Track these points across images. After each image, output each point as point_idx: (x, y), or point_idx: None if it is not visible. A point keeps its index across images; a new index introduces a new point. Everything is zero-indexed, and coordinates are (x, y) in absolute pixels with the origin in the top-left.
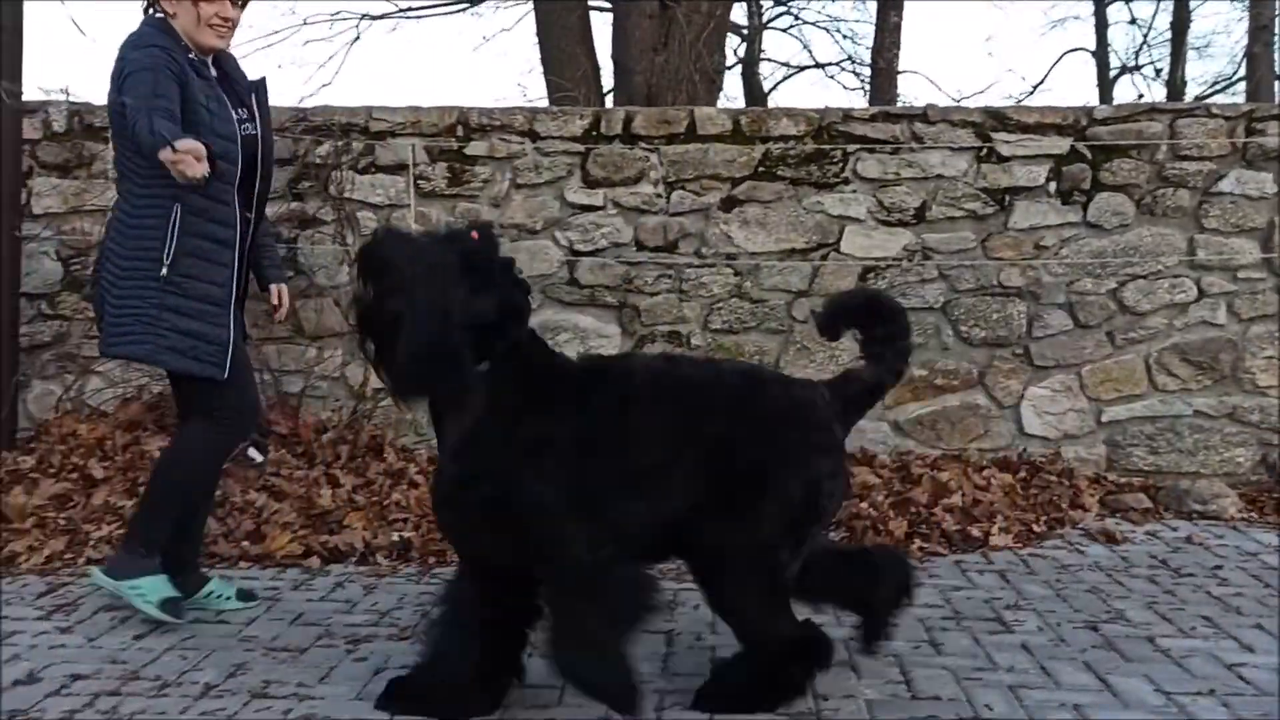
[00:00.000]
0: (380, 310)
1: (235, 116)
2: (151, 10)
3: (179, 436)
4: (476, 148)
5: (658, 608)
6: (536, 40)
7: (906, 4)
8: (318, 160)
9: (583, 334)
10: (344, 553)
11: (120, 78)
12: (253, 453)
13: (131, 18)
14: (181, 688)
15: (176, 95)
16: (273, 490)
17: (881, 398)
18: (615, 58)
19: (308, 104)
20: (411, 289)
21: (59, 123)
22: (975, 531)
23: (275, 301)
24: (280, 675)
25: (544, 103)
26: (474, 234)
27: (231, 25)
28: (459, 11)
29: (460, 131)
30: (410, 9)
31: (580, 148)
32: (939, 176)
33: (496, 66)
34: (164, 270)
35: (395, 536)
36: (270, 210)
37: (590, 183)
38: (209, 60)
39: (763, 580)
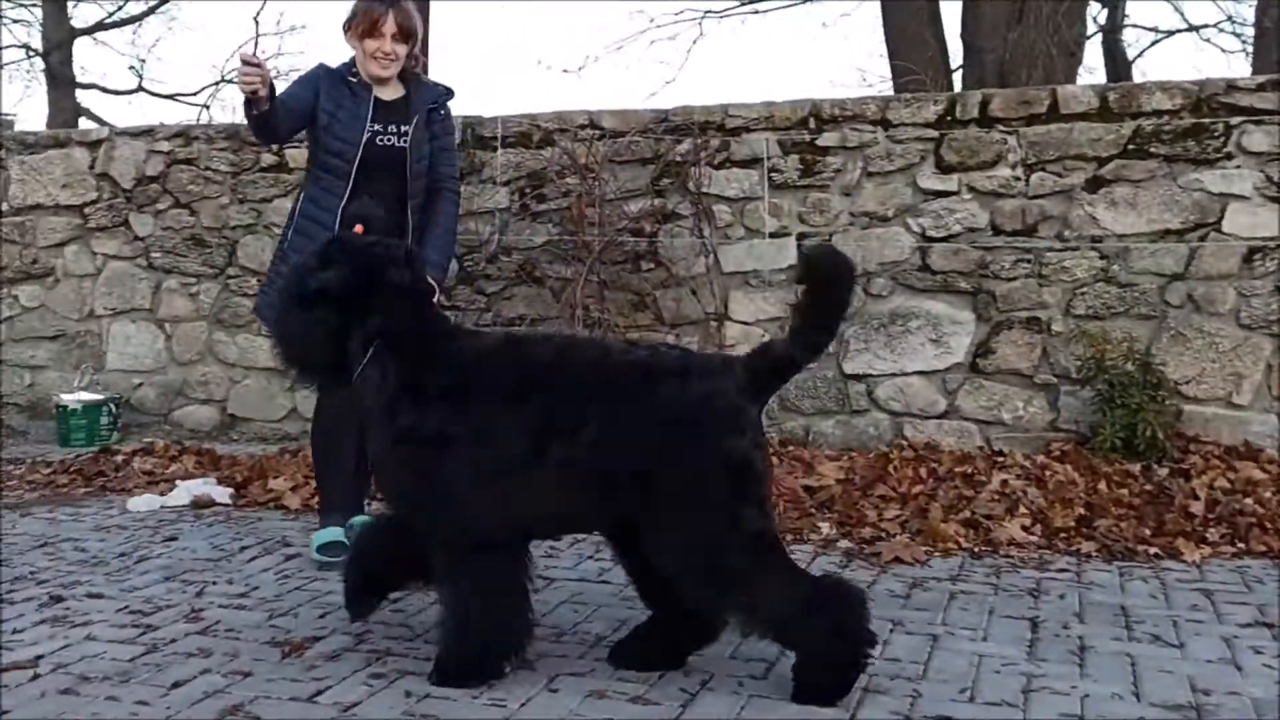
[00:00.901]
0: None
1: (378, 128)
2: None
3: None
4: (828, 138)
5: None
6: (881, 24)
7: None
8: (678, 158)
9: (935, 320)
10: None
11: None
12: None
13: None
14: (576, 636)
15: (301, 94)
16: None
17: (795, 374)
18: (965, 37)
19: (653, 103)
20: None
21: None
22: None
23: None
24: None
25: (886, 86)
26: (358, 228)
27: (394, 58)
28: (802, 2)
29: (812, 124)
30: (754, 0)
31: (934, 133)
32: None
33: (836, 53)
34: (284, 244)
35: None
36: (634, 206)
37: (944, 168)
38: (374, 84)
39: (760, 560)
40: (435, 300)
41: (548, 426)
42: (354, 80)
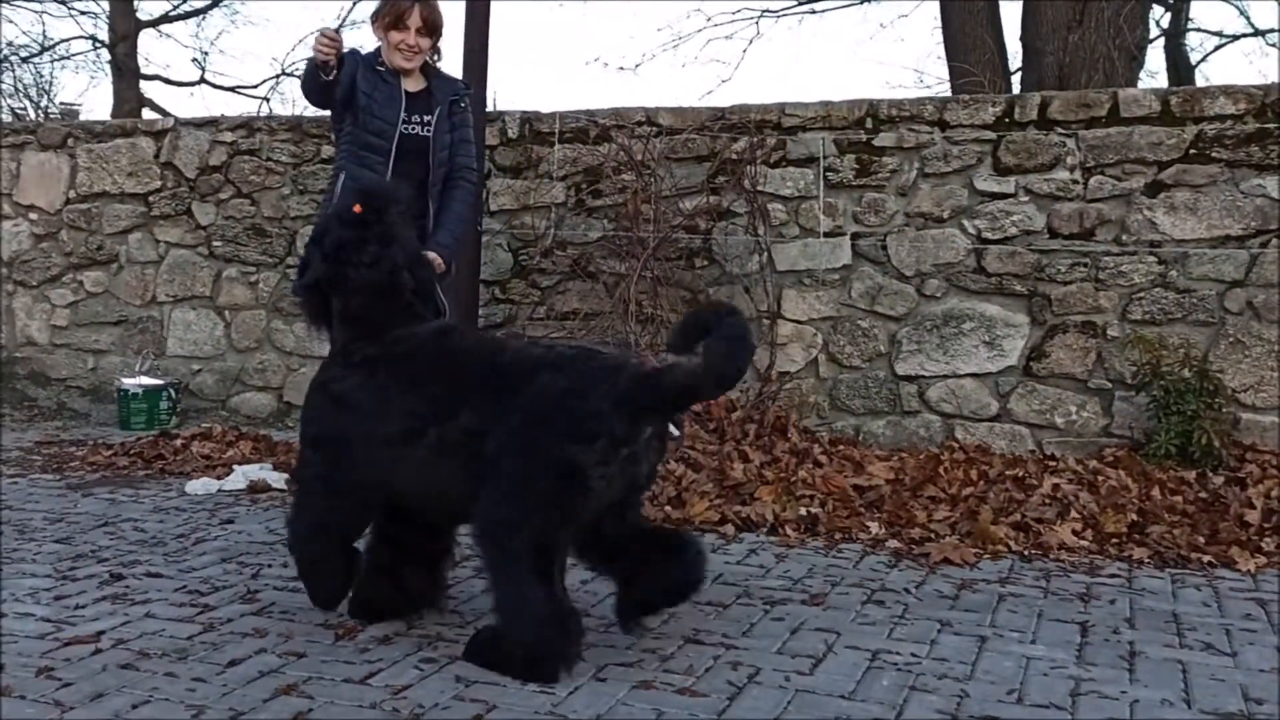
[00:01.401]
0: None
1: (404, 117)
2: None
3: None
4: (885, 139)
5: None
6: (940, 25)
7: None
8: (733, 156)
9: (989, 323)
10: (755, 523)
11: None
12: (670, 427)
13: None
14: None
15: (341, 75)
16: (690, 462)
17: (700, 400)
18: (1024, 39)
19: (710, 102)
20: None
21: (513, 129)
22: None
23: None
24: (707, 626)
25: (943, 88)
26: (356, 208)
27: (417, 50)
28: (860, 3)
29: (869, 124)
30: (811, 0)
31: (992, 135)
32: None
33: (893, 55)
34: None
35: (803, 511)
36: (689, 203)
37: (1001, 170)
38: (401, 74)
39: (514, 557)
40: (435, 274)
41: (434, 407)
42: (382, 69)
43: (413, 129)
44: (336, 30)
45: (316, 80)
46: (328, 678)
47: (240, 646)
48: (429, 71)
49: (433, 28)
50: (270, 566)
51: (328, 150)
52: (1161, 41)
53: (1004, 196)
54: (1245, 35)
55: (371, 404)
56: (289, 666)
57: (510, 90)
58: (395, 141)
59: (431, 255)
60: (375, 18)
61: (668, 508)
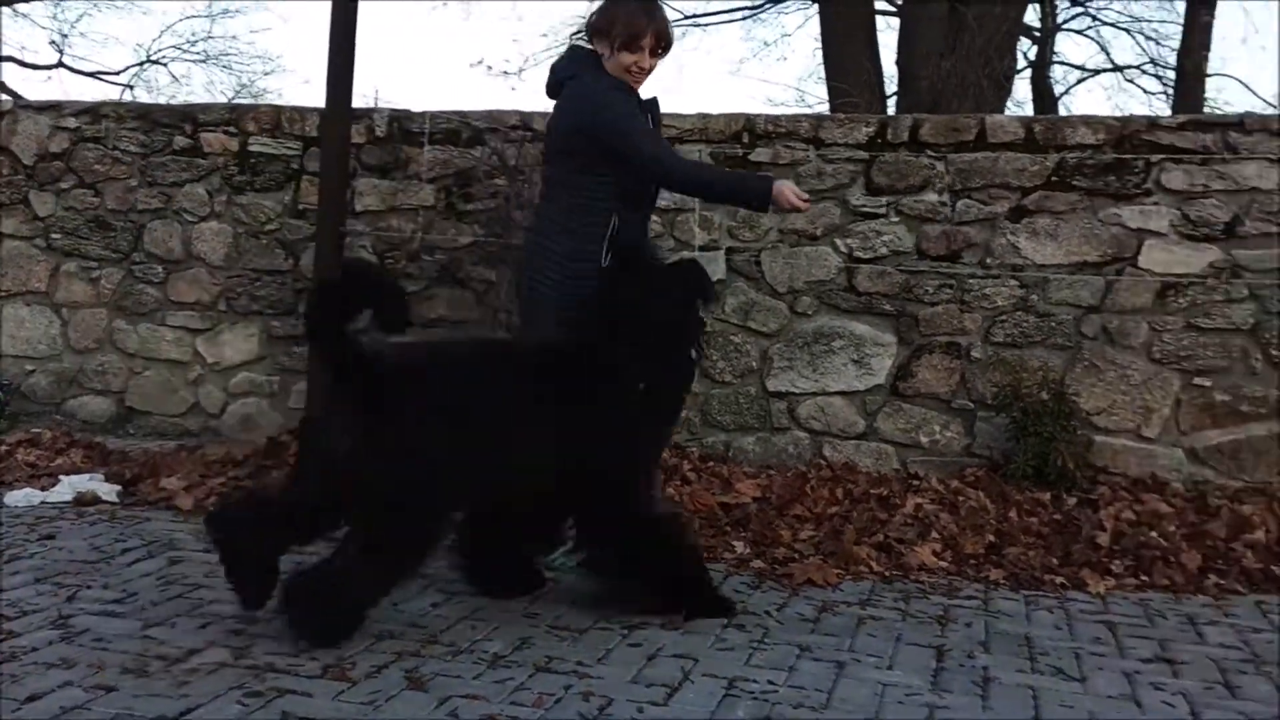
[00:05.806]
0: None
1: None
2: (584, 42)
3: None
4: (761, 154)
5: None
6: (820, 45)
7: (1220, 2)
8: None
9: (858, 341)
10: None
11: (605, 109)
12: None
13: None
14: (473, 655)
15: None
16: None
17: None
18: (900, 63)
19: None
20: None
21: (380, 128)
22: None
23: None
24: (561, 653)
25: (823, 107)
26: None
27: (647, 73)
28: (745, 19)
29: (746, 138)
30: (696, 15)
31: (865, 155)
32: (1254, 189)
33: (774, 72)
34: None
35: None
36: None
37: (873, 190)
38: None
39: None
40: None
41: None
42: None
43: None
44: None
45: None
46: (137, 714)
47: (44, 679)
48: None
49: (668, 45)
50: (89, 589)
51: (180, 140)
52: (1028, 73)
53: (875, 216)
54: (1105, 70)
55: None
56: (95, 702)
57: (390, 90)
58: None
59: None
60: (598, 33)
61: None
